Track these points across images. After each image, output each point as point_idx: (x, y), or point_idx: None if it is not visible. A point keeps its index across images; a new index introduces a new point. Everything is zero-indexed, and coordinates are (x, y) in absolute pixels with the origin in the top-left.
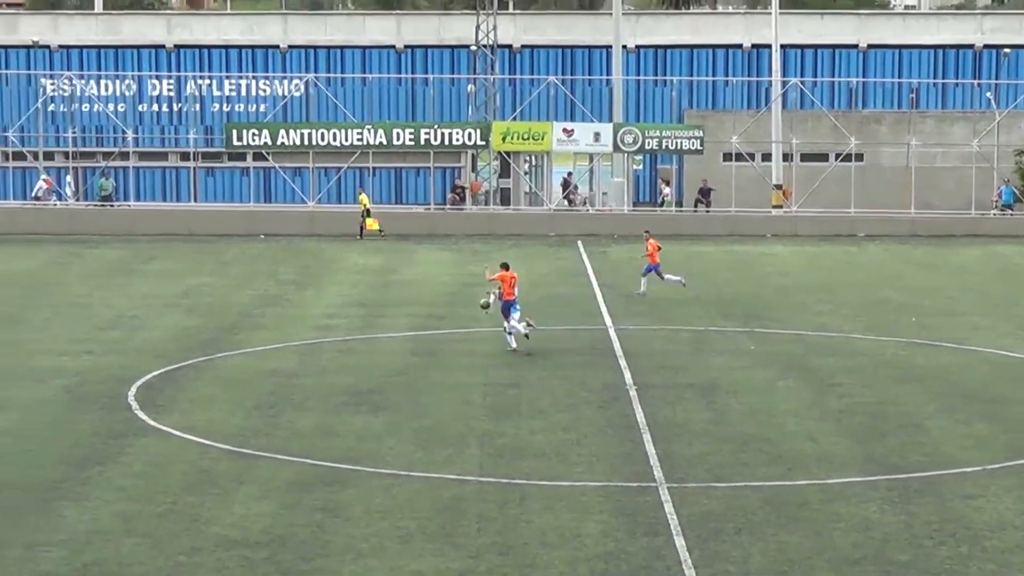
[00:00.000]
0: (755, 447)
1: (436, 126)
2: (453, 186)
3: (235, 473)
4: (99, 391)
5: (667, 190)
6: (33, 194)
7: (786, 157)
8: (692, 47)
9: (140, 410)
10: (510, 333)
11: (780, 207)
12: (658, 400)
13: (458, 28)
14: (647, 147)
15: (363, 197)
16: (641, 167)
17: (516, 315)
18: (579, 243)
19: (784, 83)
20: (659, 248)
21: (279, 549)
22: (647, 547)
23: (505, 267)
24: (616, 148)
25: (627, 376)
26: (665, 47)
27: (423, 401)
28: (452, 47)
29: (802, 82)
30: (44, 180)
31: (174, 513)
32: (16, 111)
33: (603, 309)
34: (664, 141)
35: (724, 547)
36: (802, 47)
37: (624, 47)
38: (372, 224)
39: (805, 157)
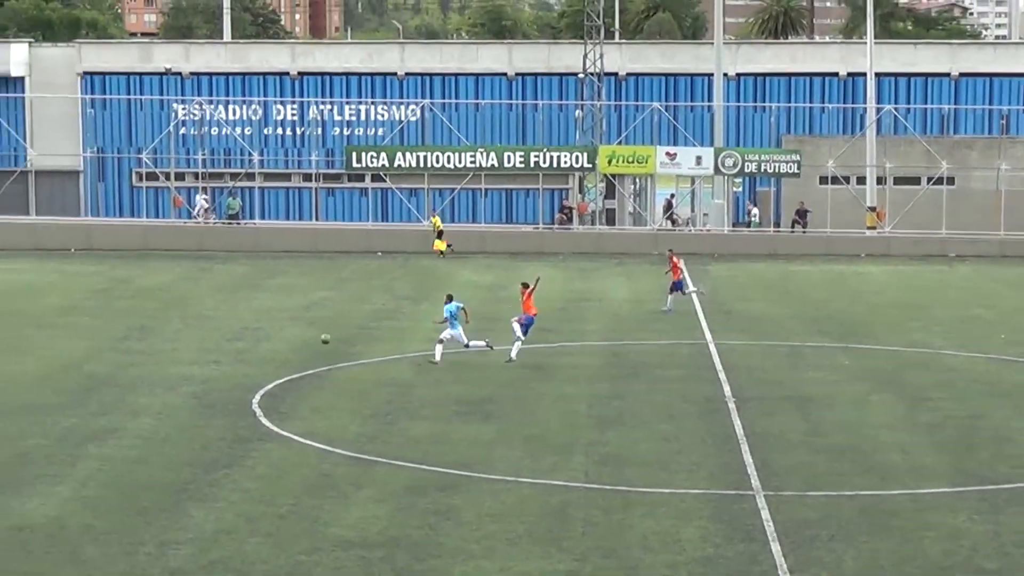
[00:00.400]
0: (849, 458)
1: (545, 149)
2: (561, 206)
3: (353, 477)
4: (226, 398)
5: (755, 211)
6: (195, 213)
7: (880, 180)
8: (790, 75)
9: (264, 417)
10: (467, 346)
11: (874, 228)
12: (756, 412)
13: (567, 57)
14: (746, 170)
15: (435, 219)
16: (740, 189)
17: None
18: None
19: (879, 109)
20: (679, 267)
21: (394, 550)
22: (744, 552)
23: (526, 286)
24: (717, 171)
25: (726, 389)
26: (764, 75)
27: (531, 411)
28: (561, 74)
29: (896, 109)
30: (203, 200)
31: (295, 514)
32: (150, 134)
33: (703, 324)
34: (763, 165)
35: (818, 553)
36: (896, 75)
37: (725, 75)
38: (439, 245)
39: (898, 180)
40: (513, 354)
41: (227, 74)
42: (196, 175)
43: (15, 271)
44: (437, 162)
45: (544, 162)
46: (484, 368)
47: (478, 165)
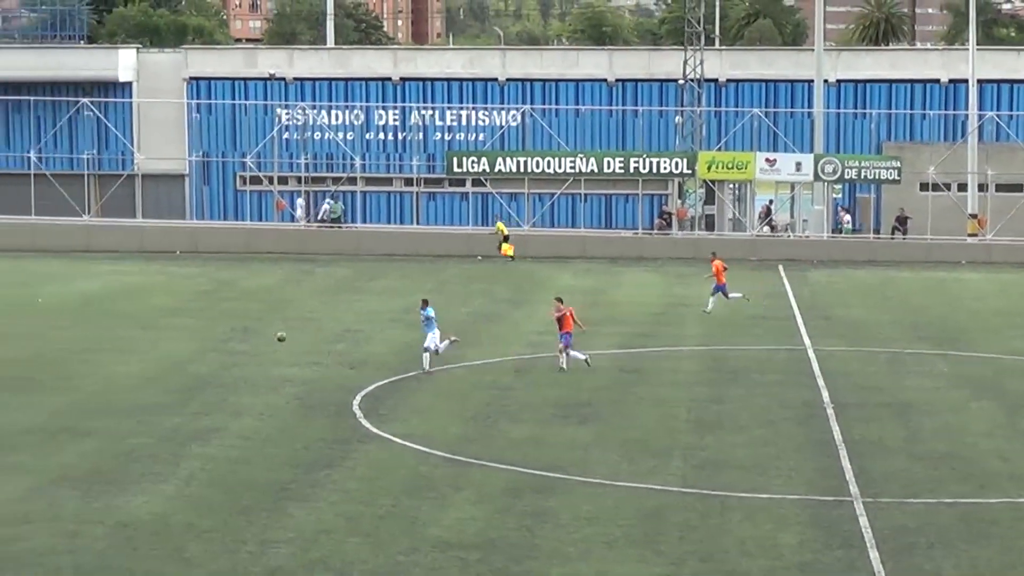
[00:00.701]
0: (948, 465)
1: (645, 155)
2: (660, 212)
3: (451, 479)
4: (326, 400)
5: (847, 217)
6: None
7: (981, 187)
8: (891, 81)
9: (364, 418)
10: (436, 351)
11: (975, 235)
12: (854, 418)
13: (667, 63)
14: (846, 177)
15: (500, 225)
16: (840, 196)
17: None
18: (780, 267)
19: (980, 116)
20: (725, 269)
21: (491, 551)
22: (842, 559)
23: (560, 301)
24: (816, 177)
25: (824, 395)
26: (865, 81)
27: (629, 414)
28: (661, 81)
29: (998, 116)
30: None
31: (394, 515)
32: (254, 138)
33: (802, 330)
34: (863, 171)
35: (917, 560)
36: (998, 82)
37: (825, 81)
38: (507, 250)
39: (1000, 187)
40: (564, 365)
41: (330, 79)
42: (299, 179)
43: (122, 273)
44: (537, 167)
45: (644, 168)
46: (582, 372)
47: (578, 170)
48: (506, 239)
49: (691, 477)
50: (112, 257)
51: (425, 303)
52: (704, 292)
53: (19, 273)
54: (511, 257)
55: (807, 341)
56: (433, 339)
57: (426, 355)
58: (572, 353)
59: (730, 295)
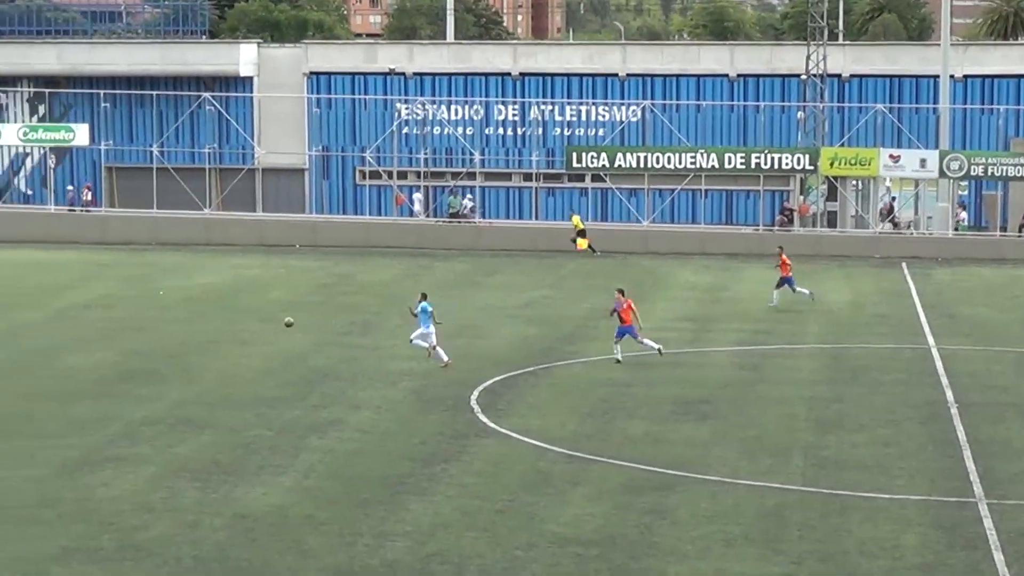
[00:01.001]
0: None
1: (766, 151)
2: (782, 208)
3: (570, 475)
4: (444, 394)
5: (963, 215)
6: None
7: None
8: (1020, 77)
9: (482, 413)
10: (433, 347)
11: None
12: (979, 418)
13: (789, 58)
14: (972, 173)
15: (576, 219)
16: (966, 193)
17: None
18: (903, 265)
19: None
20: (788, 264)
21: (609, 548)
22: (965, 561)
23: (621, 292)
24: (942, 174)
25: (948, 394)
26: (992, 76)
27: (749, 412)
28: (783, 76)
29: None
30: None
31: (511, 510)
32: (373, 133)
33: (925, 329)
34: (990, 168)
35: None
36: None
37: (952, 76)
38: (583, 244)
39: None
40: (656, 346)
41: (450, 74)
42: (418, 174)
43: (242, 266)
44: (657, 163)
45: (765, 164)
46: (701, 368)
47: (698, 166)
48: (582, 233)
49: (811, 476)
50: (232, 250)
51: (423, 297)
52: (808, 286)
53: (141, 266)
54: (594, 250)
55: (930, 340)
56: (426, 335)
57: (423, 343)
58: (646, 342)
59: (796, 289)
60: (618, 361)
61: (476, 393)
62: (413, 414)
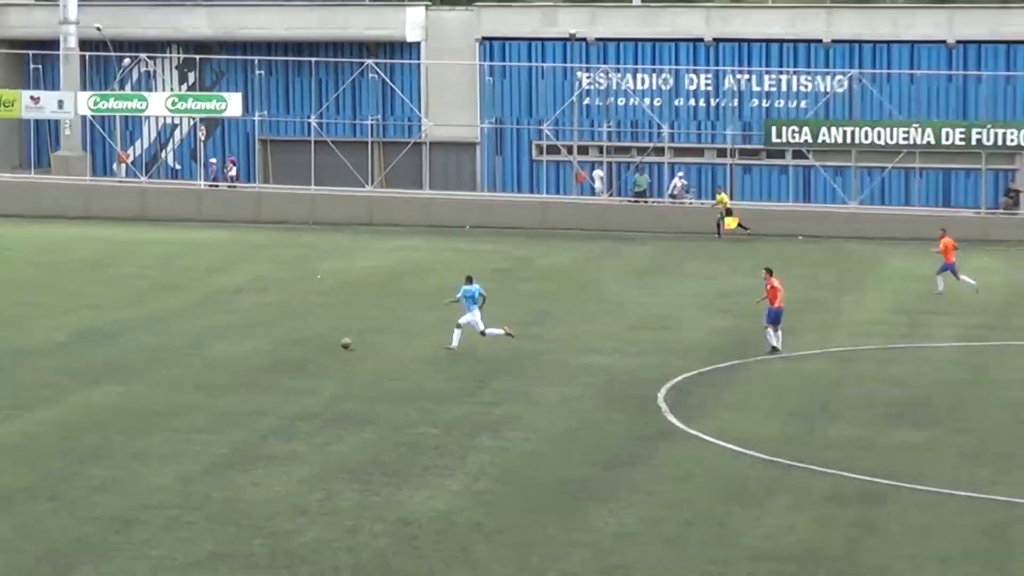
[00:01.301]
0: None
1: (989, 125)
2: (1007, 189)
3: (768, 482)
4: (629, 391)
5: None
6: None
7: None
8: None
9: (670, 412)
10: (483, 333)
11: None
12: None
13: (1016, 22)
14: None
15: (722, 196)
16: None
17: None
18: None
19: None
20: (955, 248)
21: (811, 565)
22: None
23: (769, 272)
24: None
25: None
26: None
27: (970, 416)
28: (1008, 42)
29: None
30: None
31: (702, 521)
32: (551, 104)
33: None
34: None
35: None
36: None
37: None
38: (731, 223)
39: None
40: (776, 344)
41: (635, 40)
42: (600, 149)
43: (407, 248)
44: (866, 138)
45: (988, 139)
46: (916, 365)
47: (912, 142)
48: (729, 212)
49: None
50: (396, 231)
51: (469, 280)
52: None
53: (297, 247)
54: (744, 228)
55: None
56: (474, 319)
57: (457, 331)
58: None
59: (960, 277)
60: (775, 349)
61: (664, 391)
62: (595, 413)
